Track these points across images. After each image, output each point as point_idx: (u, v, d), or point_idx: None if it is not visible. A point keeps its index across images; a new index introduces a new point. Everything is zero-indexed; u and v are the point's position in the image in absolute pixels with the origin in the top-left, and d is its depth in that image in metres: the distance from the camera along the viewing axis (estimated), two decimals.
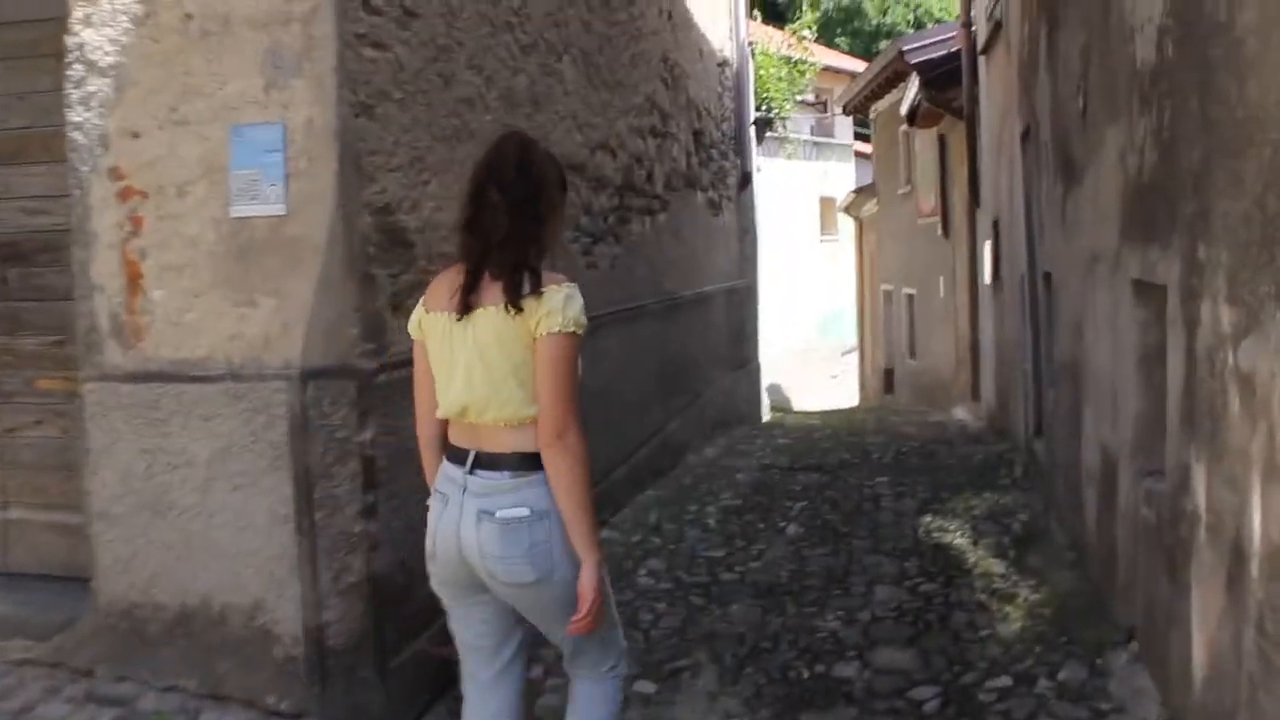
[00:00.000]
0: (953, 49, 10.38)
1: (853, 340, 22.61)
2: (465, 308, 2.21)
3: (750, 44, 10.92)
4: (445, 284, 2.29)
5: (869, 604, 4.29)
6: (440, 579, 2.35)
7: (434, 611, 3.50)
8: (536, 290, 2.18)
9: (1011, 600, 4.20)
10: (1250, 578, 2.39)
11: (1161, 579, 3.15)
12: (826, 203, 26.69)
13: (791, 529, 5.48)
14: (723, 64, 9.49)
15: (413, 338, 2.37)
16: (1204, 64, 2.65)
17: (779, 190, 26.54)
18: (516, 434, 2.21)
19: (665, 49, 7.18)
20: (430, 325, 2.29)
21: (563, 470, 2.18)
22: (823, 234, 27.87)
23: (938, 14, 34.16)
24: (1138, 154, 3.33)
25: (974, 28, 9.40)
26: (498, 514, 2.18)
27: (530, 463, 2.20)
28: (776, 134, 15.90)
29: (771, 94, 14.00)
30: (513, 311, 2.15)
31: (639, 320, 6.31)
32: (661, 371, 6.95)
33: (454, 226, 2.33)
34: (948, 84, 10.29)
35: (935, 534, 5.29)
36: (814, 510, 5.87)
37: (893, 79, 13.83)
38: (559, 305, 2.17)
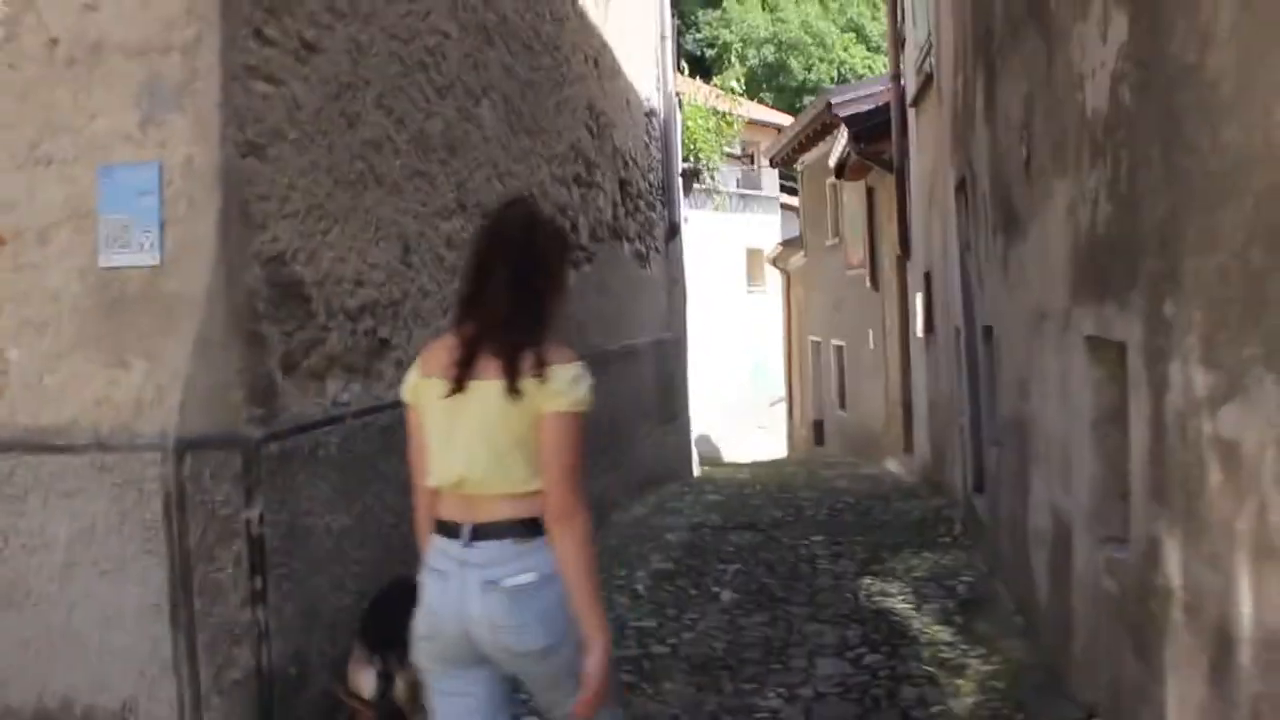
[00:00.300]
0: (881, 102, 10.39)
1: (781, 391, 22.55)
2: (460, 381, 2.14)
3: (677, 95, 10.80)
4: (443, 350, 2.22)
5: (811, 679, 4.01)
6: (435, 656, 2.22)
7: (332, 708, 3.16)
8: (539, 370, 2.13)
9: (961, 672, 3.95)
10: (1240, 666, 2.16)
11: (1128, 657, 2.93)
12: (753, 254, 26.78)
13: (726, 595, 5.18)
14: (650, 114, 9.33)
15: (407, 402, 2.28)
16: (1168, 111, 2.47)
17: (707, 242, 26.62)
18: (516, 503, 2.15)
19: (591, 97, 6.96)
20: (425, 391, 2.22)
21: (570, 553, 2.15)
22: (750, 285, 27.91)
23: (861, 71, 34.88)
24: (1089, 206, 3.15)
25: (903, 81, 9.38)
26: (504, 582, 2.12)
27: (531, 529, 2.15)
28: (704, 186, 15.81)
29: (699, 145, 13.92)
30: (513, 391, 2.11)
31: None
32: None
33: (454, 296, 2.28)
34: (876, 136, 10.27)
35: (877, 598, 5.04)
36: (749, 574, 5.59)
37: (820, 131, 13.86)
38: (565, 386, 2.15)
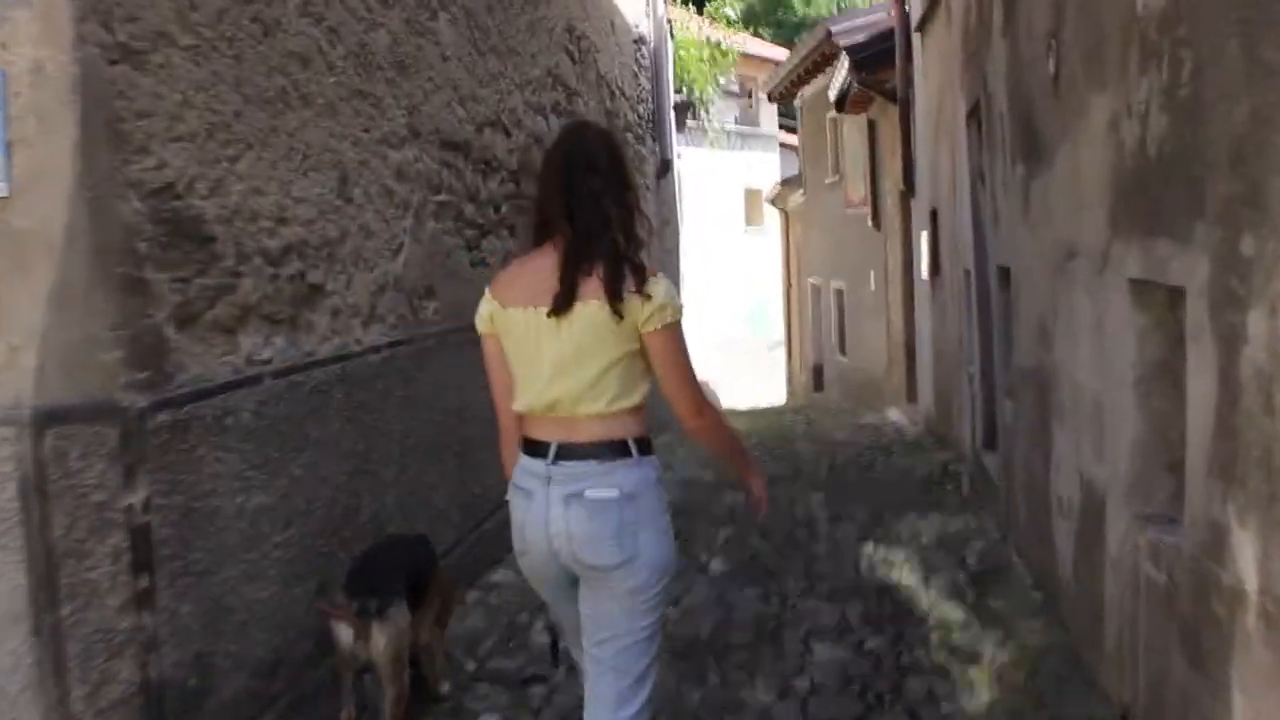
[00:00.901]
0: (884, 28, 9.76)
1: (781, 335, 22.06)
2: (564, 304, 2.13)
3: (669, 21, 10.18)
4: (524, 276, 2.25)
5: (807, 667, 3.58)
6: (532, 573, 2.33)
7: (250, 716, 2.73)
8: (638, 287, 2.13)
9: (975, 661, 3.52)
10: None
11: (1176, 659, 2.48)
12: (752, 194, 26.11)
13: (716, 564, 4.75)
14: (639, 41, 8.73)
15: (481, 332, 2.31)
16: None
17: (703, 180, 25.95)
18: (606, 423, 2.18)
19: (571, 18, 6.39)
20: (509, 321, 2.23)
21: (715, 437, 2.34)
22: (748, 225, 27.29)
23: (863, 6, 33.86)
24: (1137, 122, 2.64)
25: (908, 4, 8.77)
26: (586, 494, 2.16)
27: (618, 449, 2.18)
28: (699, 121, 15.17)
29: (693, 76, 13.26)
30: (616, 312, 2.11)
31: None
32: None
33: (535, 217, 2.27)
34: (879, 65, 9.65)
35: (880, 569, 4.60)
36: (741, 540, 5.15)
37: (820, 63, 13.20)
38: (665, 299, 2.15)
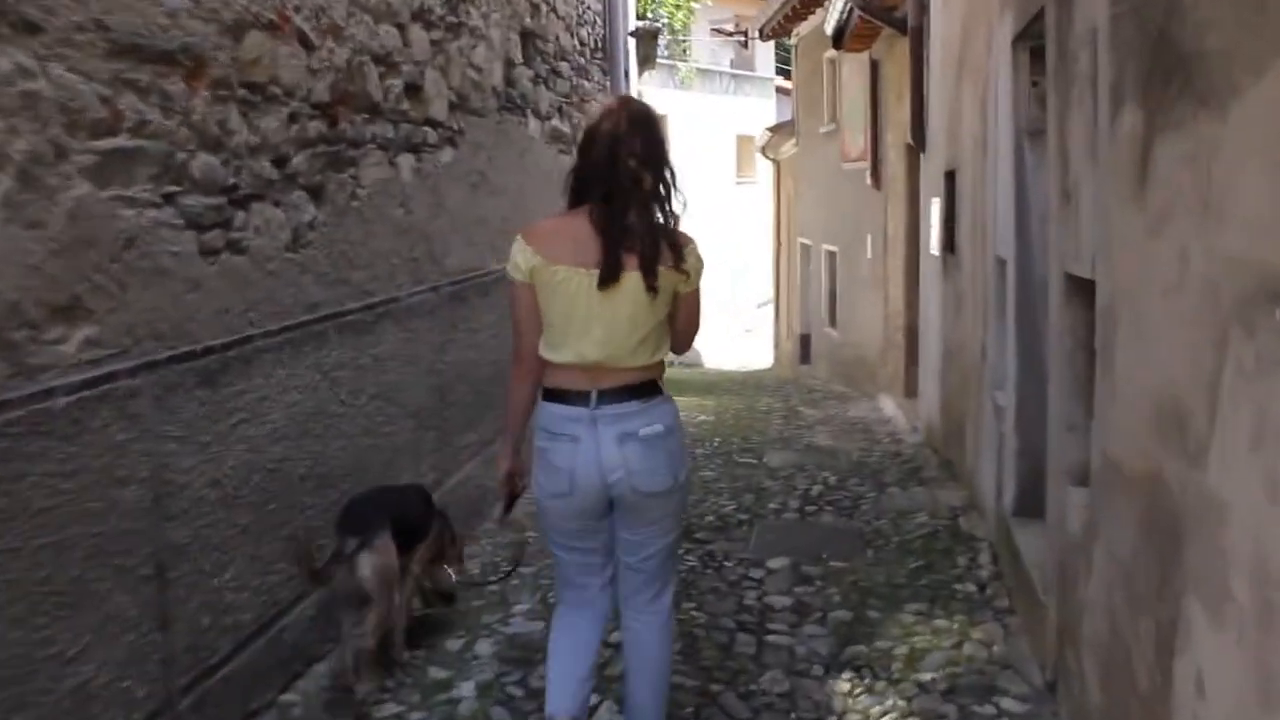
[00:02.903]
0: None
1: (769, 293, 20.33)
2: (609, 278, 2.36)
3: None
4: (566, 236, 2.41)
5: None
6: (575, 511, 2.50)
7: None
8: (676, 257, 2.41)
9: None
10: None
11: None
12: (744, 141, 24.25)
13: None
14: None
15: (515, 280, 2.45)
16: None
17: (691, 126, 24.06)
18: (641, 370, 2.45)
19: None
20: (553, 278, 2.39)
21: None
22: (739, 176, 25.48)
23: None
24: None
25: None
26: (641, 432, 2.42)
27: (650, 389, 2.47)
28: (677, 59, 13.30)
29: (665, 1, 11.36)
30: (650, 288, 2.38)
31: (381, 324, 3.81)
32: (445, 394, 4.47)
33: (574, 183, 2.46)
34: None
35: None
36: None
37: None
38: (697, 265, 2.47)
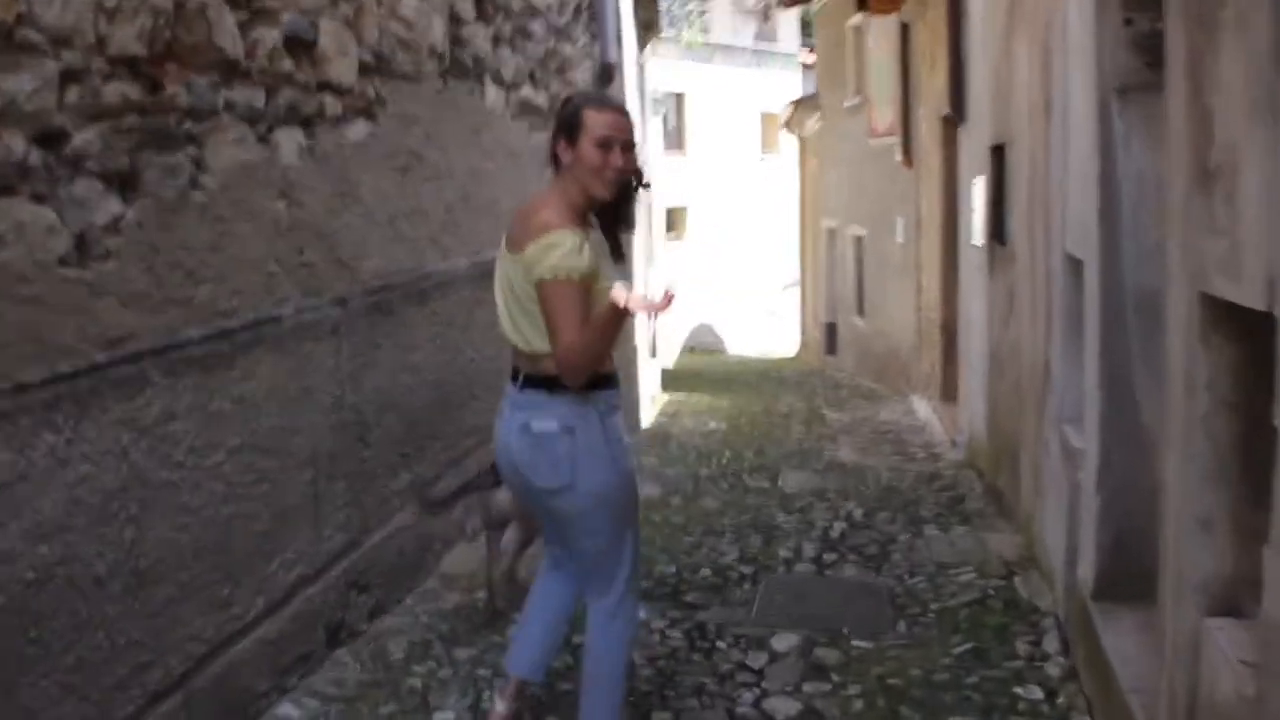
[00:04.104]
0: None
1: (795, 275, 19.29)
2: (509, 246, 2.42)
3: None
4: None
5: None
6: (507, 480, 2.60)
7: None
8: (537, 237, 2.30)
9: None
10: None
11: None
12: (769, 119, 23.12)
13: None
14: None
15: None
16: None
17: (713, 103, 22.97)
18: (544, 361, 2.36)
19: None
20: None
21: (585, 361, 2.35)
22: (764, 153, 24.39)
23: None
24: None
25: None
26: (532, 426, 2.38)
27: (555, 384, 2.35)
28: (690, 30, 12.27)
29: None
30: (515, 262, 2.37)
31: (248, 355, 2.87)
32: (364, 433, 3.54)
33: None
34: None
35: None
36: None
37: None
38: (539, 258, 2.28)
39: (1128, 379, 2.82)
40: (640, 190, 2.51)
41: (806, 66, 23.45)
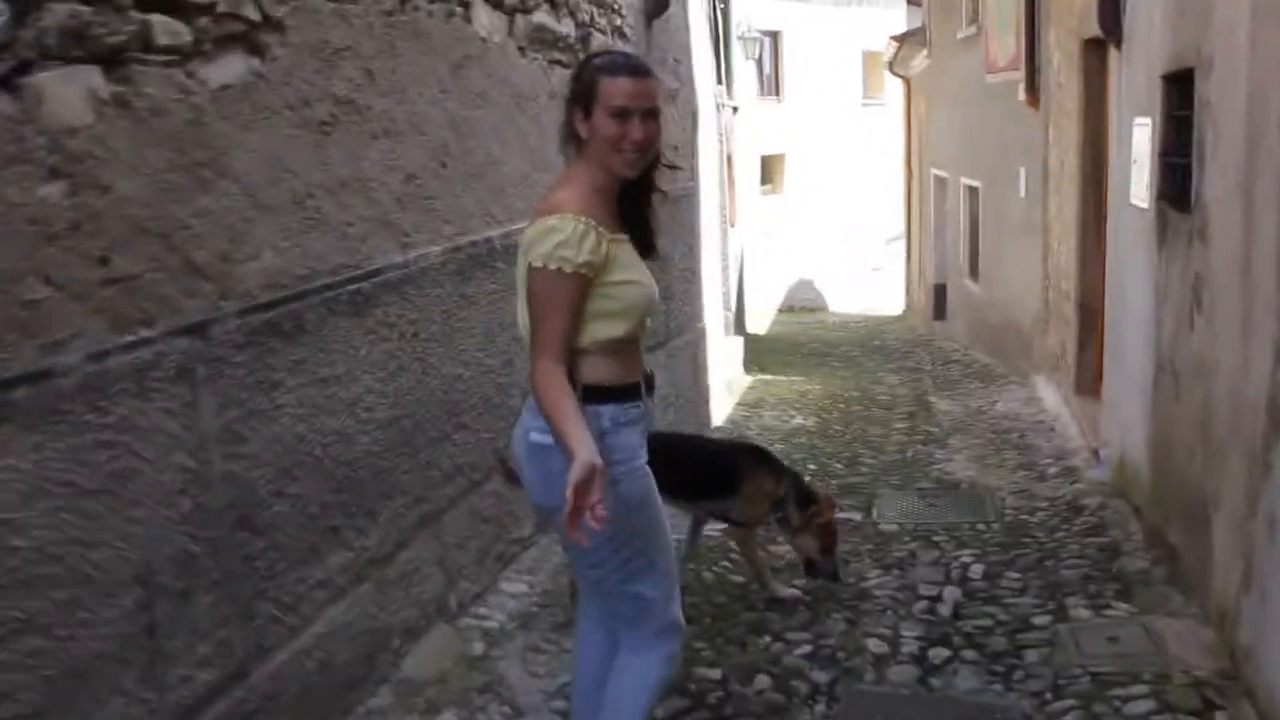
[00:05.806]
0: None
1: (899, 227, 17.77)
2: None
3: None
4: None
5: None
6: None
7: None
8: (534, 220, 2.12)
9: None
10: None
11: None
12: (871, 58, 21.44)
13: None
14: None
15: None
16: None
17: (811, 43, 21.33)
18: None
19: None
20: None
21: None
22: (866, 98, 22.75)
23: None
24: None
25: None
26: (531, 435, 2.15)
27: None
28: None
29: None
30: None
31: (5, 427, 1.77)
32: (252, 513, 2.44)
33: None
34: None
35: None
36: None
37: None
38: (528, 241, 2.08)
39: None
40: (659, 171, 2.16)
41: (913, 3, 21.63)
